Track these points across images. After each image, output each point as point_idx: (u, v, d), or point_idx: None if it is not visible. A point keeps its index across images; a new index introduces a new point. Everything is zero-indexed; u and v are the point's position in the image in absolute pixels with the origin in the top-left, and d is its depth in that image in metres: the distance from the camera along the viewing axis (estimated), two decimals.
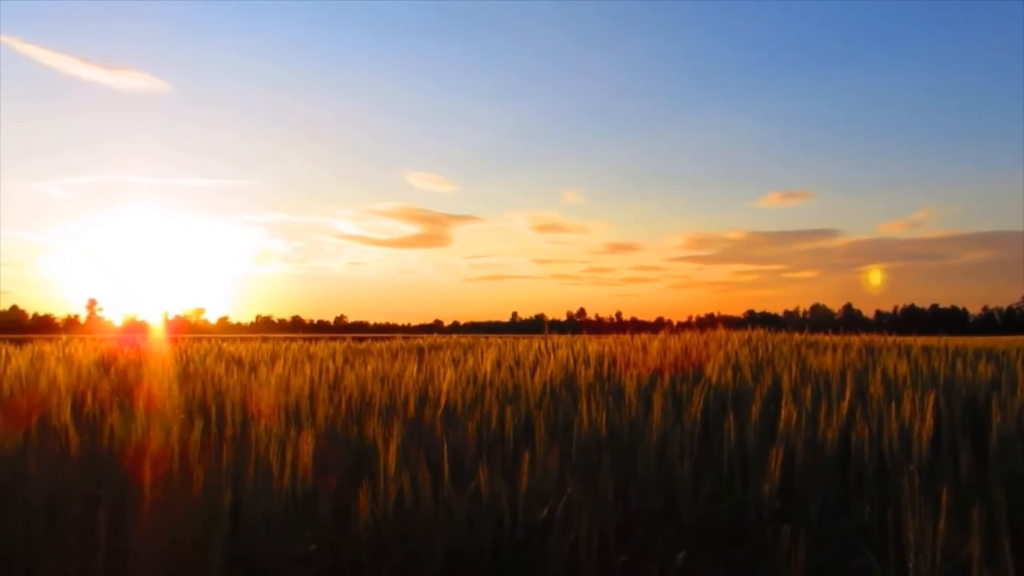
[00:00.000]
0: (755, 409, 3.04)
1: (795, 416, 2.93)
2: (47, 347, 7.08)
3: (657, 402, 3.01)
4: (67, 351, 6.75)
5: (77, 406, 3.56)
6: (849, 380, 3.76)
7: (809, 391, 3.36)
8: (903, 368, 4.58)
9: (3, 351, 6.25)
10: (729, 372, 4.36)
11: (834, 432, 2.89)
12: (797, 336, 8.14)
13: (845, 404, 3.07)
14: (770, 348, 6.54)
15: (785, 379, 3.97)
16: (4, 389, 4.26)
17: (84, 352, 6.65)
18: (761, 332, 7.87)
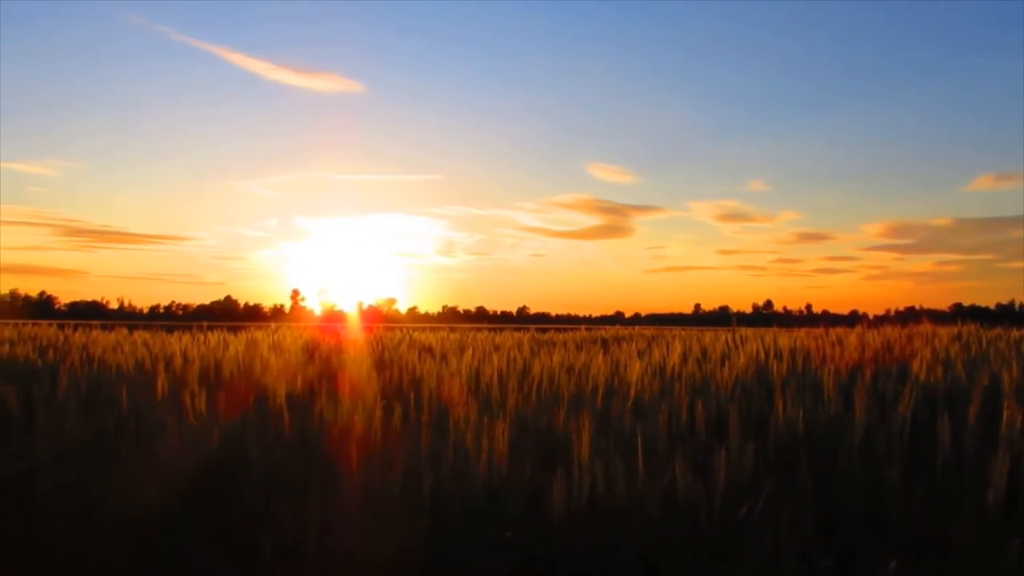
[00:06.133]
0: (972, 410, 2.81)
1: (1020, 419, 2.68)
2: (258, 334, 7.68)
3: (859, 399, 2.84)
4: (276, 338, 7.28)
5: (288, 390, 3.83)
6: None
7: None
8: None
9: (222, 338, 6.85)
10: (939, 369, 4.04)
11: None
12: (1015, 332, 7.42)
13: None
14: (984, 344, 6.02)
15: (1005, 378, 3.63)
16: (225, 372, 4.67)
17: (291, 339, 7.15)
18: (973, 327, 7.23)
